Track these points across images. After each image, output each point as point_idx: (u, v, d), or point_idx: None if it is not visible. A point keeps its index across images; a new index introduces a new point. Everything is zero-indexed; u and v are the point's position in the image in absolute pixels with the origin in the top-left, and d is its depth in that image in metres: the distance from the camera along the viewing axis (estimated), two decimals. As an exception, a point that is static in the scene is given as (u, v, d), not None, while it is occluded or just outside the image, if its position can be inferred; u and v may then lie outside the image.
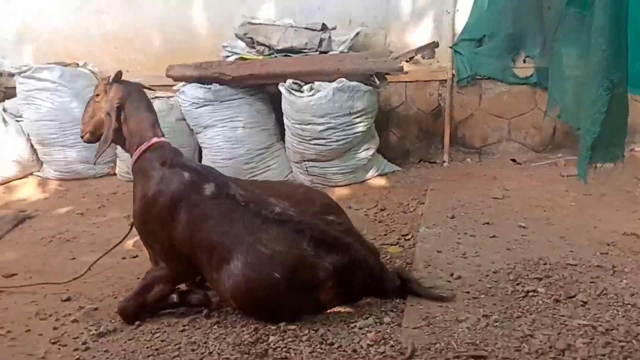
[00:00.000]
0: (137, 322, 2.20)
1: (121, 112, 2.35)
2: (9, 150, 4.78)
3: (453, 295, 2.14)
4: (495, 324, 1.90)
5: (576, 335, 1.78)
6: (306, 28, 4.43)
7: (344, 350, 1.83)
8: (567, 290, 2.12)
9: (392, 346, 1.83)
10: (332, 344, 1.88)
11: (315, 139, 4.13)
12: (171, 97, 4.70)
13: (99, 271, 2.84)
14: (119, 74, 2.44)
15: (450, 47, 4.56)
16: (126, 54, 5.25)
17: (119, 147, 2.74)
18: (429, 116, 4.85)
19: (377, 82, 4.12)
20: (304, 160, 4.30)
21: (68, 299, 2.52)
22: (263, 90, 4.56)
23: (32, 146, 4.85)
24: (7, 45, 5.42)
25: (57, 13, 5.24)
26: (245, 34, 4.54)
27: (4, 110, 4.90)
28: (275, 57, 4.44)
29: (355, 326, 2.01)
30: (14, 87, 4.87)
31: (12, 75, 5.00)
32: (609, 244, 2.62)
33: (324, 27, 4.41)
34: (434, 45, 4.38)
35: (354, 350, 1.82)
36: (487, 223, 3.02)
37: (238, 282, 2.02)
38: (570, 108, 4.16)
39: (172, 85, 4.67)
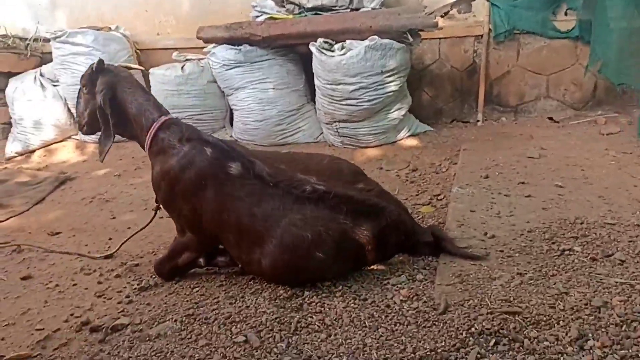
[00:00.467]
0: (176, 278, 2.28)
1: (115, 102, 2.21)
2: (47, 115, 4.92)
3: (487, 254, 2.13)
4: (530, 282, 1.89)
5: (613, 293, 1.76)
6: (337, -16, 4.33)
7: (377, 306, 1.86)
8: (605, 249, 2.08)
9: (425, 302, 1.85)
10: (365, 299, 1.92)
11: (346, 99, 4.09)
12: (202, 59, 4.71)
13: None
14: (100, 63, 2.25)
15: (488, 0, 4.38)
16: (157, 16, 5.27)
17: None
18: (463, 74, 4.72)
19: (411, 39, 4.02)
20: (335, 121, 4.27)
21: (110, 256, 2.63)
22: (293, 50, 4.51)
23: (69, 110, 4.97)
24: (41, 11, 5.50)
25: (88, -23, 5.28)
26: (274, -8, 4.48)
27: (41, 75, 5.02)
28: (306, 15, 4.38)
29: (388, 283, 2.03)
30: (50, 53, 4.97)
31: (47, 40, 5.09)
32: (649, 202, 2.55)
33: (354, -17, 4.30)
34: (470, -2, 4.23)
35: (387, 306, 1.85)
36: (523, 183, 2.97)
37: (277, 264, 1.99)
38: (613, 63, 4.00)
39: (203, 47, 4.68)
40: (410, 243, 2.20)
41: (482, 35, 4.53)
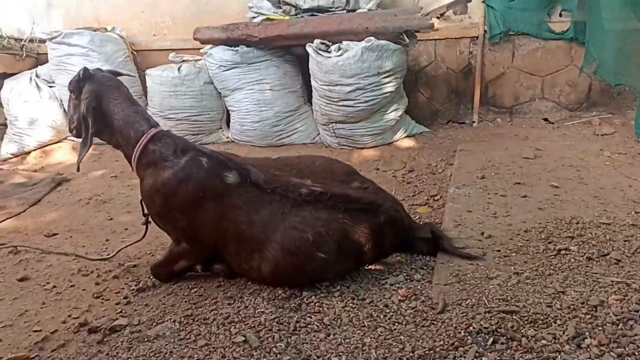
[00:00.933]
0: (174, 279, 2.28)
1: (99, 112, 2.15)
2: (43, 116, 4.91)
3: (484, 253, 2.15)
4: (527, 281, 1.90)
5: (609, 292, 1.77)
6: (333, -14, 4.34)
7: (376, 305, 1.87)
8: (600, 249, 2.10)
9: (423, 301, 1.86)
10: (363, 299, 1.93)
11: (343, 100, 4.10)
12: (198, 60, 4.71)
13: (135, 231, 2.95)
14: (86, 71, 2.21)
15: (483, 2, 4.41)
16: (153, 17, 5.26)
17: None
18: (459, 75, 4.74)
19: (407, 40, 4.04)
20: (332, 122, 4.28)
21: (107, 259, 2.62)
22: (290, 51, 4.53)
23: (64, 111, 4.95)
24: (37, 11, 5.48)
25: (84, -23, 5.27)
26: (271, -7, 4.49)
27: (37, 76, 5.01)
28: (302, 16, 4.38)
29: (386, 283, 2.04)
30: (46, 53, 4.95)
31: (43, 41, 5.08)
32: (644, 202, 2.57)
33: (351, -16, 4.32)
34: None
35: (386, 305, 1.86)
36: (518, 183, 2.99)
37: (278, 269, 1.99)
38: (610, 64, 4.02)
39: (199, 48, 4.68)
40: (407, 239, 2.22)
41: (477, 37, 4.55)
